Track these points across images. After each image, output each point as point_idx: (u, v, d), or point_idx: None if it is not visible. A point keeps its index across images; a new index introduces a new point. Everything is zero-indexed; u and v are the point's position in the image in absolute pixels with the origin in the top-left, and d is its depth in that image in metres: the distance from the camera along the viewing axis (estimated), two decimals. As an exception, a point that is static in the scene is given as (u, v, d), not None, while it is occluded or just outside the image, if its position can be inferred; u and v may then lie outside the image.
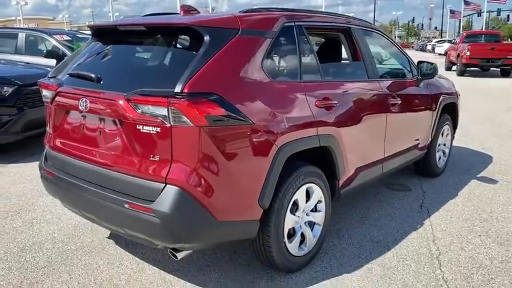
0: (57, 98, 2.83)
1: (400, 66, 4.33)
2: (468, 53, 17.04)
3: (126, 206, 2.41)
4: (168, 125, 2.26)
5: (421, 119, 4.33)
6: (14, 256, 3.15)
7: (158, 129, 2.29)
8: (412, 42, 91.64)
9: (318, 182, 2.97)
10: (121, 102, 2.38)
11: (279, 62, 3.10)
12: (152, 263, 3.05)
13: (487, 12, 58.70)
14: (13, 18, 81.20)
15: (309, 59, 3.06)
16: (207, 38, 2.45)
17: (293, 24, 2.94)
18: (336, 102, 3.07)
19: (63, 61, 3.14)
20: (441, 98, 4.59)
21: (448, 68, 20.51)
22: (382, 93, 3.62)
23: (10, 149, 5.85)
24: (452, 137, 5.27)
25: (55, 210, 3.95)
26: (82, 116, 2.70)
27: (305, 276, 2.91)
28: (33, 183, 4.65)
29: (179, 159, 2.30)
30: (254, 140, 2.46)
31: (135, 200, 2.39)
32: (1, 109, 5.42)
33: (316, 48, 3.82)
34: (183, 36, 2.70)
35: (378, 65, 4.10)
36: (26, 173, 5.04)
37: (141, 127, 2.35)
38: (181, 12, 2.85)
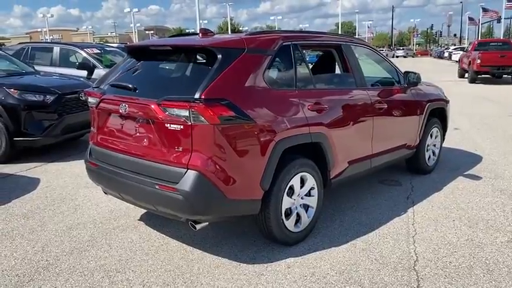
0: (102, 104, 3.57)
1: (389, 76, 4.95)
2: (479, 61, 17.44)
3: (157, 187, 3.11)
4: (189, 123, 2.95)
5: (408, 122, 4.94)
6: (64, 233, 3.88)
7: (181, 127, 2.99)
8: (431, 49, 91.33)
9: (310, 171, 3.62)
10: (153, 106, 3.09)
11: (277, 74, 3.77)
12: (176, 238, 3.74)
13: (506, 18, 58.44)
14: (39, 30, 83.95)
15: (303, 71, 3.74)
16: (219, 56, 3.15)
17: (290, 43, 3.62)
18: (326, 106, 3.73)
19: (104, 74, 3.89)
20: (428, 104, 5.19)
21: (461, 75, 20.83)
22: (368, 99, 4.26)
23: (50, 151, 6.65)
24: (442, 139, 5.85)
25: (94, 199, 4.68)
26: (121, 117, 3.42)
27: (300, 248, 3.55)
28: (73, 178, 5.42)
29: (198, 149, 2.99)
30: (256, 135, 3.14)
31: (163, 182, 3.09)
32: (44, 115, 6.22)
33: (315, 60, 4.50)
34: (201, 54, 3.40)
35: (369, 75, 4.74)
36: (66, 170, 5.81)
37: (168, 125, 3.05)
38: (200, 34, 3.57)
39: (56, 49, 9.39)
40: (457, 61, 27.38)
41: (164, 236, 3.79)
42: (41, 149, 6.63)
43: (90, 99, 3.73)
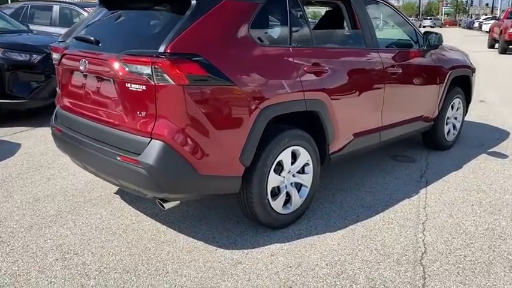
0: (63, 60, 3.08)
1: (406, 37, 4.31)
2: (511, 30, 16.27)
3: (118, 158, 2.64)
4: (153, 83, 2.44)
5: (426, 91, 4.32)
6: (28, 205, 3.47)
7: (144, 87, 2.48)
8: (460, 20, 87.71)
9: (305, 145, 3.09)
10: (113, 62, 2.59)
11: (267, 28, 3.20)
12: (150, 216, 3.30)
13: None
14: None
15: (300, 26, 3.16)
16: (194, 1, 2.60)
17: (285, -10, 3.03)
18: (326, 68, 3.16)
19: (72, 26, 3.38)
20: (450, 71, 4.55)
21: (491, 46, 19.64)
22: (380, 62, 3.66)
23: (38, 114, 6.25)
24: (465, 111, 5.21)
25: (71, 168, 4.26)
26: (83, 76, 2.93)
27: (289, 233, 3.07)
28: (56, 144, 5.02)
29: (163, 115, 2.49)
30: (235, 101, 2.61)
31: (125, 153, 2.62)
32: (30, 75, 5.79)
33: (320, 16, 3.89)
34: (173, 0, 2.83)
35: (384, 36, 4.12)
36: (51, 136, 5.39)
37: (129, 85, 2.55)
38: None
39: (56, 8, 8.90)
40: (487, 31, 25.92)
41: (138, 212, 3.35)
42: (31, 113, 6.24)
43: (54, 55, 3.24)
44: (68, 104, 3.16)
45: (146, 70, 2.44)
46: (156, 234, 3.04)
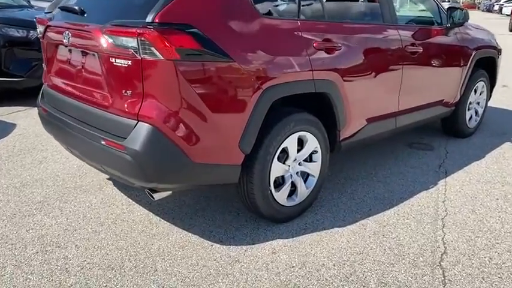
0: (47, 33, 2.79)
1: (428, 13, 3.93)
2: (534, 12, 15.56)
3: (103, 142, 2.37)
4: (139, 57, 2.14)
5: (448, 73, 3.95)
6: (15, 191, 3.23)
7: (130, 62, 2.19)
8: (479, 2, 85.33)
9: (313, 130, 2.78)
10: (97, 34, 2.29)
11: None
12: (143, 205, 3.03)
13: None
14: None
15: (310, -3, 2.81)
16: (188, -35, 2.27)
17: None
18: (339, 45, 2.82)
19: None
20: (475, 51, 4.16)
21: (512, 29, 18.96)
22: (399, 40, 3.31)
23: (36, 93, 5.98)
24: (488, 96, 4.82)
25: (65, 151, 4.00)
26: (68, 50, 2.65)
27: (294, 227, 2.78)
28: (52, 125, 4.76)
29: (151, 95, 2.19)
30: (234, 79, 2.30)
31: (110, 137, 2.34)
32: (28, 53, 5.53)
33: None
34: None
35: (404, 11, 3.75)
36: (48, 116, 5.15)
37: (114, 60, 2.25)
38: None
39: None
40: (507, 14, 25.04)
41: (131, 201, 3.09)
42: (29, 92, 5.98)
43: (39, 28, 2.95)
44: (53, 82, 2.88)
45: (132, 43, 2.13)
46: (147, 226, 2.78)
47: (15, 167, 3.66)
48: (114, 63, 2.25)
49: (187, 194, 3.17)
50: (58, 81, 2.80)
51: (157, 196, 2.46)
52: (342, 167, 3.72)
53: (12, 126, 4.76)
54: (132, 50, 2.15)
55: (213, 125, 2.29)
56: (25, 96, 5.91)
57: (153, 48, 2.09)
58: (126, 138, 2.24)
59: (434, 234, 2.73)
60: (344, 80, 2.87)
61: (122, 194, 3.18)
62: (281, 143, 2.61)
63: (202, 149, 2.30)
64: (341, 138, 3.04)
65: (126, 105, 2.27)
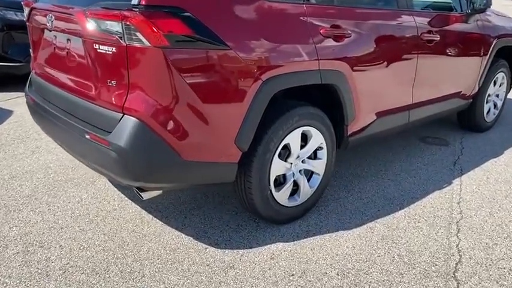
0: (32, 16, 2.59)
1: (446, -2, 3.65)
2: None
3: (87, 136, 2.17)
4: (124, 44, 1.93)
5: (466, 63, 3.68)
6: (2, 183, 3.07)
7: (114, 49, 1.98)
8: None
9: (318, 125, 2.56)
10: (80, 17, 2.08)
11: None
12: (137, 201, 2.84)
13: None
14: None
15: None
16: None
17: None
18: (349, 32, 2.58)
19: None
20: (496, 40, 3.88)
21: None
22: (414, 27, 3.05)
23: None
24: (509, 88, 4.53)
25: (59, 140, 3.83)
26: (53, 35, 2.44)
27: (295, 229, 2.58)
28: (49, 112, 4.59)
29: (138, 85, 1.98)
30: (230, 69, 2.08)
31: (94, 131, 2.14)
32: (27, 37, 5.32)
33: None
34: None
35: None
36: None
37: (98, 46, 2.04)
38: None
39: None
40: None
41: (123, 197, 2.91)
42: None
43: (25, 10, 2.75)
44: (39, 70, 2.69)
45: (116, 27, 1.92)
46: (138, 225, 2.59)
47: (6, 157, 3.50)
48: (98, 50, 2.04)
49: (183, 190, 2.98)
50: (44, 69, 2.61)
51: (146, 196, 2.26)
52: (349, 163, 3.50)
53: (9, 113, 4.59)
54: (117, 36, 1.94)
55: (206, 119, 2.08)
56: (24, 82, 5.74)
57: (139, 34, 1.88)
58: (110, 133, 2.04)
59: (448, 240, 2.51)
60: (353, 71, 2.63)
61: (115, 189, 3.00)
62: (282, 139, 2.39)
63: (194, 145, 2.10)
64: (349, 134, 2.81)
65: (110, 97, 2.07)
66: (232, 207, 2.79)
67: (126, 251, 2.35)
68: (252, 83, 2.14)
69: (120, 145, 2.00)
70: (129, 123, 2.00)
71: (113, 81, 2.04)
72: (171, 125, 2.01)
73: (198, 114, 2.05)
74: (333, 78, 2.53)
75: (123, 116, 2.02)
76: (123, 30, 1.90)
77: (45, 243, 2.40)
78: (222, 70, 2.06)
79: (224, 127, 2.14)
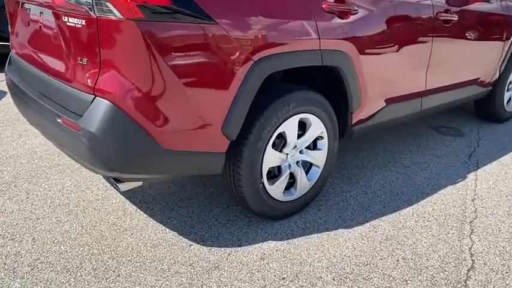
0: (6, -13, 2.36)
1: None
2: None
3: (59, 120, 1.95)
4: (94, 16, 1.69)
5: (487, 47, 3.38)
6: (-17, 168, 2.89)
7: (84, 22, 1.74)
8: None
9: (318, 112, 2.31)
10: (48, -14, 1.85)
11: None
12: (123, 192, 2.63)
13: None
14: None
15: None
16: None
17: None
18: (355, 8, 2.31)
19: None
20: (520, 22, 3.55)
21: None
22: (430, 5, 2.75)
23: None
24: (532, 75, 4.20)
25: (50, 123, 3.64)
26: (28, 8, 2.22)
27: (291, 226, 2.35)
28: (43, 94, 4.40)
29: (110, 64, 1.75)
30: (216, 47, 1.84)
31: (67, 114, 1.92)
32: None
33: None
34: None
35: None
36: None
37: (67, 19, 1.81)
38: None
39: None
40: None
41: (108, 186, 2.70)
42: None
43: (2, -18, 2.52)
44: (17, 47, 2.47)
45: (85, -3, 1.69)
46: (120, 217, 2.39)
47: (-9, 141, 3.32)
48: (68, 24, 1.82)
49: (173, 180, 2.77)
50: (20, 46, 2.40)
51: (123, 187, 2.05)
52: (356, 153, 3.24)
53: (2, 94, 4.42)
54: (86, 7, 1.70)
55: (188, 103, 1.84)
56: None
57: (109, 4, 1.65)
58: (82, 117, 1.82)
59: (460, 243, 2.26)
60: (360, 52, 2.37)
61: (101, 178, 2.80)
62: (277, 127, 2.15)
63: (175, 133, 1.87)
64: (353, 122, 2.56)
65: (82, 77, 1.84)
66: (224, 199, 2.57)
67: (103, 247, 2.15)
68: (241, 64, 1.89)
69: (90, 131, 1.78)
70: (100, 106, 1.77)
71: (84, 59, 1.81)
72: (148, 109, 1.78)
73: (179, 98, 1.82)
74: (336, 60, 2.27)
75: (94, 98, 1.80)
76: (92, 0, 1.67)
77: (18, 236, 2.21)
78: (207, 48, 1.82)
79: (209, 113, 1.90)
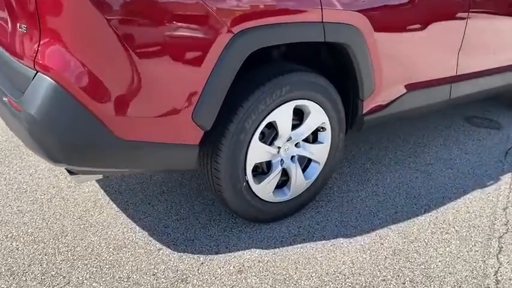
0: None
1: None
2: None
3: (5, 99, 1.66)
4: (28, -28, 1.36)
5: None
6: (-43, 144, 2.66)
7: (19, -19, 1.41)
8: None
9: (319, 99, 1.92)
10: None
11: None
12: (98, 180, 2.34)
13: None
14: None
15: None
16: None
17: None
18: (370, -27, 1.88)
19: None
20: None
21: None
22: (467, -28, 2.28)
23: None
24: None
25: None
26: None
27: (281, 231, 2.01)
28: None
29: (51, 32, 1.42)
30: (184, 15, 1.47)
31: (12, 92, 1.62)
32: None
33: None
34: None
35: None
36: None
37: (4, -23, 1.48)
38: None
39: None
40: None
41: (85, 171, 2.41)
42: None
43: None
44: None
45: None
46: (88, 210, 2.10)
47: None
48: (6, -17, 1.49)
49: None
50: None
51: (77, 180, 1.76)
52: (371, 145, 2.84)
53: None
54: (21, -40, 1.37)
55: (147, 85, 1.50)
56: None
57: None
58: (24, 94, 1.52)
59: (484, 264, 1.86)
60: (375, 27, 1.95)
61: (79, 161, 2.51)
62: (266, 116, 1.79)
63: (132, 119, 1.54)
64: (365, 111, 2.16)
65: (22, 47, 1.53)
66: (210, 196, 2.25)
67: (61, 245, 1.87)
68: (216, 37, 1.53)
69: (30, 113, 1.47)
70: (41, 84, 1.46)
71: (23, 26, 1.49)
72: (97, 89, 1.45)
73: (136, 77, 1.47)
74: (343, 36, 1.86)
75: (36, 74, 1.48)
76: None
77: (-31, 227, 1.96)
78: (172, 16, 1.46)
79: (175, 97, 1.56)
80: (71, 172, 1.71)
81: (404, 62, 2.19)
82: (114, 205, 2.15)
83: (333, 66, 2.09)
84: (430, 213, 2.19)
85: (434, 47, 2.30)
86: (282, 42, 1.70)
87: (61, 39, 1.41)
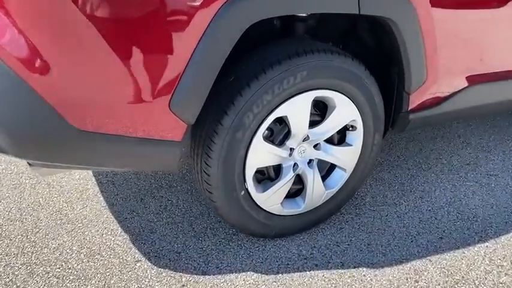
0: None
1: None
2: None
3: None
4: None
5: None
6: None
7: None
8: None
9: (349, 89, 1.48)
10: None
11: None
12: (91, 173, 2.05)
13: None
14: None
15: None
16: None
17: None
18: None
19: None
20: None
21: None
22: None
23: None
24: None
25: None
26: None
27: (290, 251, 1.62)
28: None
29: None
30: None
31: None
32: None
33: None
34: None
35: None
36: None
37: None
38: None
39: None
40: None
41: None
42: None
43: None
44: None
45: None
46: (72, 201, 1.83)
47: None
48: None
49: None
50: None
51: (38, 172, 1.45)
52: (421, 146, 2.34)
53: None
54: None
55: (111, 64, 1.14)
56: None
57: None
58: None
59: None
60: (432, 1, 1.46)
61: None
62: (273, 109, 1.38)
63: (94, 107, 1.19)
64: (411, 107, 1.69)
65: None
66: (203, 201, 1.88)
67: (27, 244, 1.60)
68: (199, 8, 1.13)
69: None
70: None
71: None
72: (49, 69, 1.12)
73: (97, 56, 1.12)
74: (386, 8, 1.40)
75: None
76: None
77: None
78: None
79: (146, 80, 1.18)
80: (30, 164, 1.41)
81: (469, 47, 1.69)
82: (101, 198, 1.85)
83: (373, 48, 1.64)
84: (486, 244, 1.70)
85: (507, 31, 1.76)
86: (292, 14, 1.28)
87: (7, 12, 1.09)
